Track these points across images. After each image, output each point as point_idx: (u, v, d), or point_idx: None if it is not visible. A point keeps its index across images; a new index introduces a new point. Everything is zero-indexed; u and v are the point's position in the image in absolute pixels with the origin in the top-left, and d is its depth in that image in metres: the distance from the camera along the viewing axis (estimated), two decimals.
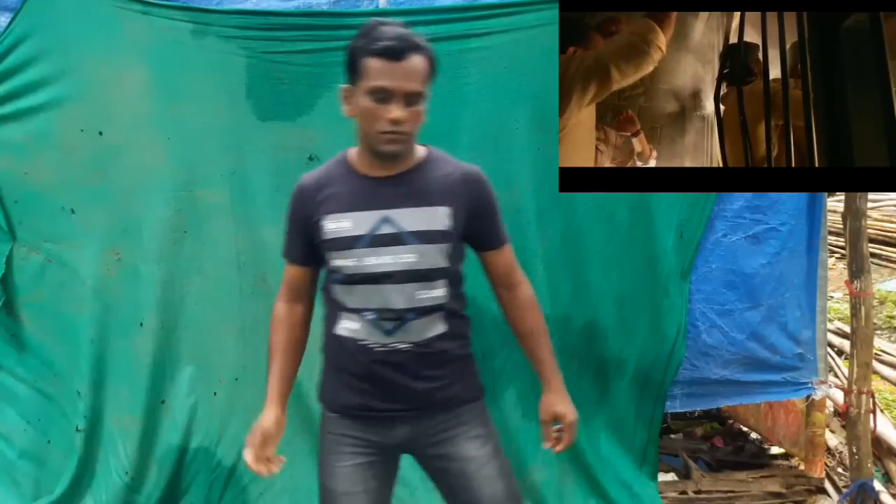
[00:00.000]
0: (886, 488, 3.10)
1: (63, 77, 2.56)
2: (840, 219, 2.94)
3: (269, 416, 1.76)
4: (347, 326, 1.73)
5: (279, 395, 1.81)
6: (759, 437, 3.67)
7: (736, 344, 2.88)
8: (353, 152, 1.75)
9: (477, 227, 1.77)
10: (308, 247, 1.78)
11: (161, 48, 2.54)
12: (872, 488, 2.90)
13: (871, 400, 2.91)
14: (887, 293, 6.42)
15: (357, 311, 1.71)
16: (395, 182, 1.68)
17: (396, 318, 1.69)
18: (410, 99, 1.57)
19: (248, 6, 2.57)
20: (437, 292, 1.72)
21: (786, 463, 3.39)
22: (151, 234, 2.66)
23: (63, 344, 2.74)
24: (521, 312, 1.88)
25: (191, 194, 2.65)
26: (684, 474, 3.27)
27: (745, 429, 3.78)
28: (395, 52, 1.53)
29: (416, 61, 1.56)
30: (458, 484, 1.77)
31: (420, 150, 1.74)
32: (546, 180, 2.69)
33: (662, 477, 3.15)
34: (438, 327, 1.75)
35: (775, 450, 3.52)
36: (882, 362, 4.76)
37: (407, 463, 1.86)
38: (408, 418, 1.77)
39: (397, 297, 1.68)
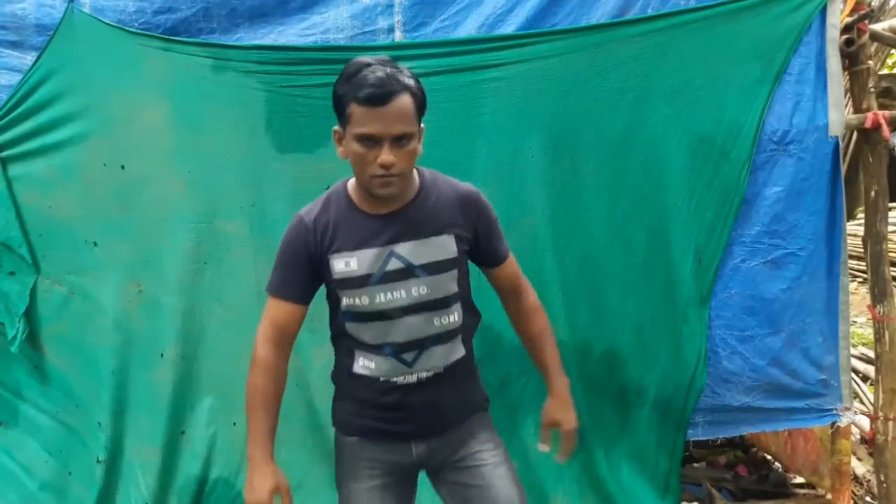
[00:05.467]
0: None
1: (86, 113, 2.61)
2: (861, 243, 2.91)
3: (270, 482, 1.62)
4: (366, 365, 1.72)
5: (271, 454, 1.67)
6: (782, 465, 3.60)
7: (757, 370, 2.84)
8: (351, 187, 1.72)
9: (482, 246, 1.77)
10: (309, 284, 1.74)
11: (182, 83, 2.60)
12: None
13: None
14: None
15: (374, 347, 1.70)
16: (397, 218, 1.66)
17: (416, 348, 1.69)
18: (399, 141, 1.52)
19: (267, 42, 2.61)
20: (452, 317, 1.72)
21: (812, 492, 3.32)
22: (172, 266, 2.68)
23: (85, 375, 2.76)
24: (531, 316, 1.88)
25: (211, 226, 2.69)
26: None
27: (769, 457, 3.71)
28: (379, 99, 1.49)
29: (402, 103, 1.51)
30: (474, 492, 1.75)
31: (415, 179, 1.71)
32: (562, 208, 2.70)
33: None
34: (458, 350, 1.75)
35: (801, 478, 3.45)
36: None
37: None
38: (426, 436, 1.77)
39: (414, 328, 1.68)
